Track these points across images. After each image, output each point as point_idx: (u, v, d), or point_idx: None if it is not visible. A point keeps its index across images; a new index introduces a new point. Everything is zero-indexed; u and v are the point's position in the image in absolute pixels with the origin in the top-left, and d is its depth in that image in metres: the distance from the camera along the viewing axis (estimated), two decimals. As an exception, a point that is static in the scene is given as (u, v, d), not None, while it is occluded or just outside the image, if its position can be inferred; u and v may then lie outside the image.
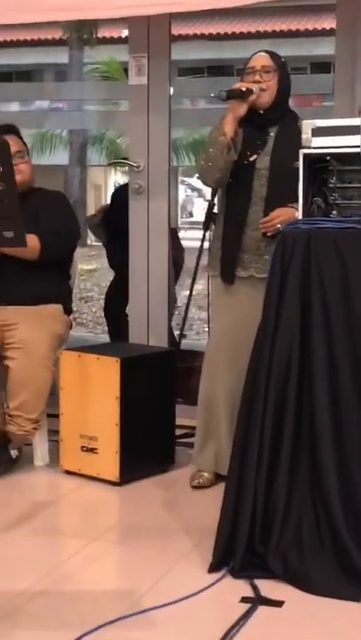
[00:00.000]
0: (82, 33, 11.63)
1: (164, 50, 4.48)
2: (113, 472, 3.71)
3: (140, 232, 4.62)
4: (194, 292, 4.37)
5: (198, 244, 4.17)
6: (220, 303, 3.70)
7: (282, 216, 3.43)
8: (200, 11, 3.99)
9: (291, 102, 3.81)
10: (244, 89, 3.46)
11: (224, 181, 3.60)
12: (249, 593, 2.75)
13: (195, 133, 10.92)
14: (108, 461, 3.72)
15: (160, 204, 4.58)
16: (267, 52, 3.61)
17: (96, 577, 2.93)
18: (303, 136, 2.97)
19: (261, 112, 3.56)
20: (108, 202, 6.04)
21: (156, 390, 3.86)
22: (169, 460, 3.94)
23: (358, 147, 2.86)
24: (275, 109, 3.58)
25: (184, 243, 5.61)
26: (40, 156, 11.15)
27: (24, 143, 4.17)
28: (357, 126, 2.91)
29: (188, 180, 16.86)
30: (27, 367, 3.79)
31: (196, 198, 17.53)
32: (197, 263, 4.02)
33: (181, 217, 17.27)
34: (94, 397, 3.77)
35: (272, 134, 3.59)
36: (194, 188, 17.01)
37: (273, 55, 3.60)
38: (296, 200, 3.26)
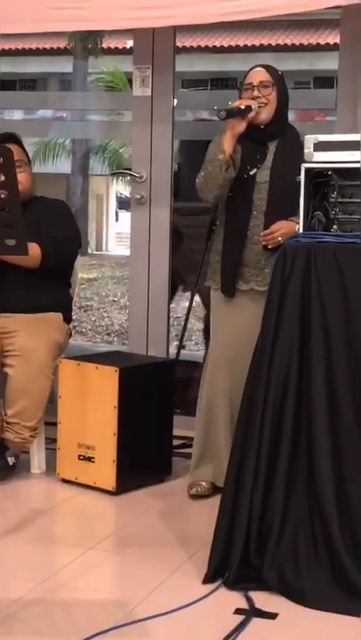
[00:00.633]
0: (86, 43, 11.66)
1: (168, 61, 4.50)
2: (110, 481, 3.72)
3: (141, 242, 4.64)
4: (193, 304, 4.37)
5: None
6: (220, 316, 3.71)
7: (283, 229, 3.44)
8: (205, 23, 4.01)
9: (293, 117, 3.83)
10: (243, 107, 3.46)
11: (222, 198, 3.61)
12: (243, 605, 2.76)
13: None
14: (105, 470, 3.72)
15: (162, 215, 4.59)
16: (263, 66, 3.61)
17: (91, 586, 2.92)
18: (305, 150, 2.99)
19: (262, 127, 3.58)
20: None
21: (154, 400, 3.87)
22: (166, 470, 3.94)
23: (359, 162, 2.87)
24: (274, 123, 3.59)
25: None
26: (43, 165, 11.18)
27: (25, 152, 4.19)
28: (358, 141, 2.93)
29: (189, 191, 16.89)
30: (25, 375, 3.80)
31: (197, 210, 17.55)
32: (198, 275, 4.03)
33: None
34: (92, 406, 3.78)
35: (272, 148, 3.60)
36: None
37: (270, 69, 3.60)
38: (296, 213, 3.29)
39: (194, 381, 4.35)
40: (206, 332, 4.74)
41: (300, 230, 3.00)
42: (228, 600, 2.79)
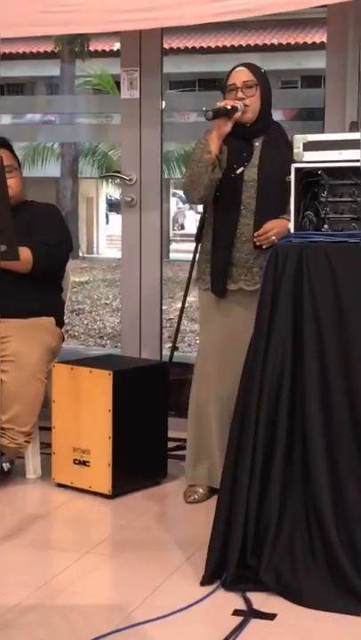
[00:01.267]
0: (73, 46, 11.66)
1: (156, 63, 4.50)
2: (105, 485, 3.71)
3: (132, 245, 4.63)
4: (185, 305, 4.37)
5: (189, 255, 4.16)
6: (209, 317, 3.70)
7: (276, 228, 3.42)
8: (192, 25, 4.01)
9: (281, 116, 3.82)
10: (229, 107, 3.45)
11: (209, 199, 3.60)
12: (241, 606, 2.76)
13: (186, 146, 10.95)
14: (101, 474, 3.72)
15: (152, 218, 4.59)
16: (246, 65, 3.59)
17: (89, 590, 2.92)
18: (295, 150, 2.98)
19: (247, 125, 3.57)
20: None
21: (148, 403, 3.87)
22: (162, 472, 3.94)
23: (358, 161, 2.86)
24: (259, 121, 3.59)
25: (176, 255, 5.61)
26: (32, 169, 11.16)
27: (15, 157, 4.19)
28: (348, 140, 2.93)
29: (179, 192, 16.91)
30: (19, 380, 3.80)
31: (187, 211, 17.57)
32: (190, 275, 4.03)
33: (173, 229, 17.30)
34: (87, 410, 3.77)
35: (257, 145, 3.59)
36: (185, 201, 17.05)
37: (253, 68, 3.59)
38: (285, 211, 3.29)
39: (187, 383, 4.34)
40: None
41: (292, 230, 3.00)
42: (227, 601, 2.79)
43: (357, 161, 2.88)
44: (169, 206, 15.71)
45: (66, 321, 4.43)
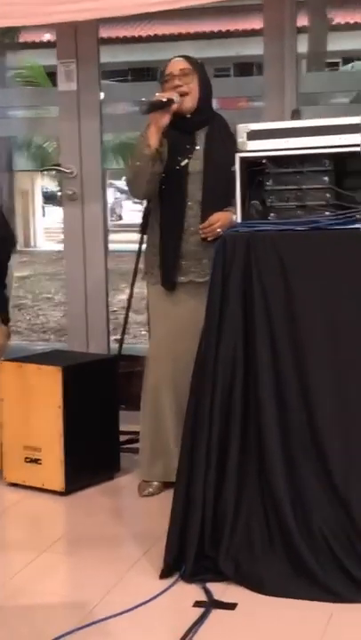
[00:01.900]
0: (4, 38, 11.48)
1: (92, 54, 4.46)
2: (58, 482, 3.68)
3: (74, 239, 4.59)
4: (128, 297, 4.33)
5: (129, 246, 4.14)
6: (159, 310, 3.68)
7: (221, 220, 3.44)
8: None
9: (216, 104, 3.82)
10: (164, 99, 3.43)
11: (152, 193, 3.58)
12: (202, 597, 2.76)
13: (121, 135, 10.90)
14: (53, 471, 3.69)
15: (94, 210, 4.56)
16: (182, 56, 3.60)
17: (48, 589, 2.90)
18: (239, 140, 2.98)
19: (188, 116, 3.56)
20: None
21: (98, 398, 3.84)
22: (115, 467, 3.92)
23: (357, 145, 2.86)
24: (200, 112, 3.58)
25: (115, 246, 5.56)
26: None
27: None
28: (293, 128, 2.95)
29: (116, 182, 16.83)
30: (-34, 380, 3.74)
31: (124, 201, 17.49)
32: (136, 267, 4.00)
33: (111, 220, 17.21)
34: (36, 407, 3.73)
35: (200, 137, 3.59)
36: (122, 191, 16.97)
37: (188, 58, 3.59)
38: (231, 203, 3.29)
39: (136, 376, 4.32)
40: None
41: (238, 220, 3.00)
42: (187, 593, 2.79)
43: (340, 147, 2.88)
44: (105, 196, 15.64)
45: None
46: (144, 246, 3.79)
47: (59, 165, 4.59)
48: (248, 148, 2.97)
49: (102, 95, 4.54)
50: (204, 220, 3.49)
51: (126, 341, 4.55)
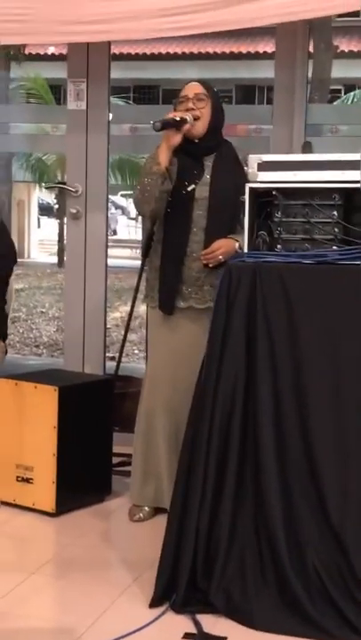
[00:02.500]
0: (9, 49, 11.50)
1: (103, 74, 4.47)
2: (49, 503, 3.65)
3: (76, 257, 4.58)
4: (122, 314, 4.33)
5: (123, 262, 4.14)
6: (158, 334, 3.66)
7: (223, 247, 3.45)
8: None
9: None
10: (178, 118, 3.45)
11: (160, 212, 3.57)
12: (191, 629, 2.73)
13: (120, 153, 10.93)
14: (44, 492, 3.66)
15: (97, 229, 4.56)
16: (199, 81, 3.62)
17: (35, 613, 2.86)
18: (249, 170, 2.98)
19: (196, 141, 3.57)
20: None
21: (93, 419, 3.82)
22: (106, 489, 3.89)
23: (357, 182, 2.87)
24: (209, 138, 3.59)
25: (109, 261, 5.51)
26: None
27: None
28: (303, 162, 2.95)
29: (111, 197, 16.87)
30: None
31: (119, 216, 17.52)
32: (137, 289, 3.99)
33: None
34: (31, 426, 3.71)
35: (208, 163, 3.59)
36: (117, 206, 17.01)
37: (204, 83, 3.62)
38: (235, 230, 3.28)
39: (130, 397, 4.31)
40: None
41: (245, 250, 3.00)
42: (176, 624, 2.76)
43: (337, 182, 2.88)
44: (108, 215, 15.63)
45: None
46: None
47: (64, 183, 4.58)
48: (258, 179, 2.97)
49: (110, 116, 4.54)
50: (208, 246, 3.49)
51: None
